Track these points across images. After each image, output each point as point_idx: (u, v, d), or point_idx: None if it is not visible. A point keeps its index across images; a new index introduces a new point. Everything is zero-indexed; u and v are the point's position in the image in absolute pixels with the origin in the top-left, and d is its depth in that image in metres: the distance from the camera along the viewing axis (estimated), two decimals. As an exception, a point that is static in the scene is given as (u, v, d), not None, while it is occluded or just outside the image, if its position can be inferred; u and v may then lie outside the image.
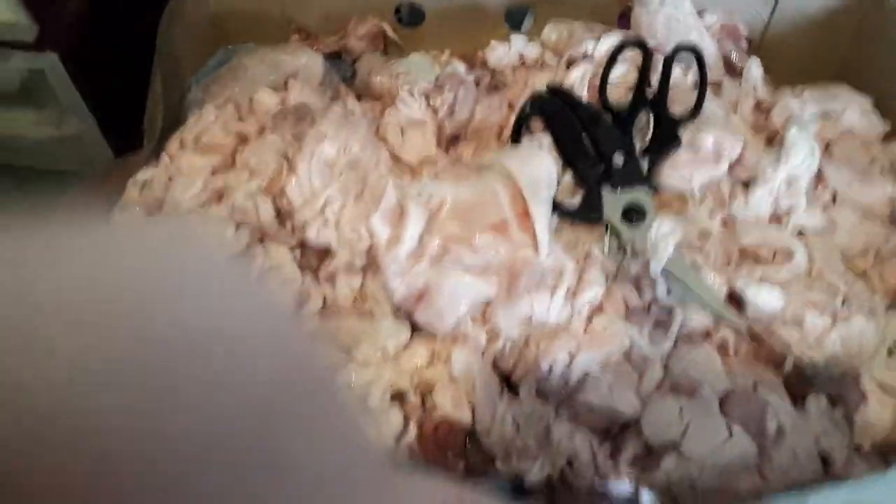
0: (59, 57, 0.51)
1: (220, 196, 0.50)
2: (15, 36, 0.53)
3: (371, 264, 0.47)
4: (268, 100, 0.54)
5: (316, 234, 0.48)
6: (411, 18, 0.66)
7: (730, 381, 0.41)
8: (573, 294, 0.44)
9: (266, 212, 0.48)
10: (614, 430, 0.41)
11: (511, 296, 0.43)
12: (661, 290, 0.44)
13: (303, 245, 0.50)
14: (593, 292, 0.44)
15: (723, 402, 0.40)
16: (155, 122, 0.53)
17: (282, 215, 0.50)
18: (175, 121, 0.56)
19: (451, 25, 0.63)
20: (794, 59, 0.58)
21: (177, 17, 0.58)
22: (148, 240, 0.21)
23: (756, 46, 0.60)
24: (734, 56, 0.57)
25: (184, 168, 0.51)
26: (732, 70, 0.57)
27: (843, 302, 0.43)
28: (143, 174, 0.51)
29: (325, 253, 0.49)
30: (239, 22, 0.64)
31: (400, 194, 0.47)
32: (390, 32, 0.64)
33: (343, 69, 0.63)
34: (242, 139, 0.52)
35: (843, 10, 0.57)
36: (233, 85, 0.57)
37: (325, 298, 0.48)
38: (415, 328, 0.45)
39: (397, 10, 0.64)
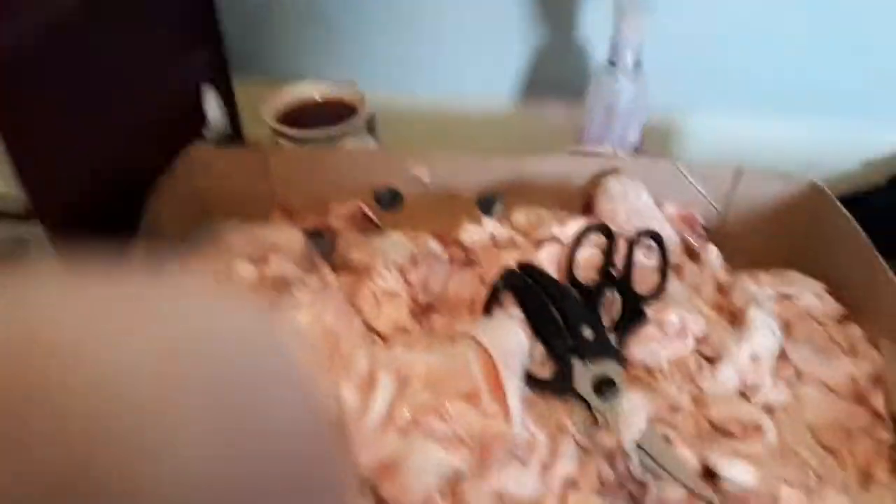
0: (44, 229, 0.53)
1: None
2: (5, 207, 0.55)
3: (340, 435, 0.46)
4: (247, 272, 0.55)
5: (284, 402, 0.47)
6: (391, 203, 0.70)
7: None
8: (546, 468, 0.43)
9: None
10: None
11: (482, 470, 0.42)
12: (635, 463, 0.43)
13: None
14: (567, 467, 0.43)
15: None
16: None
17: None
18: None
19: (428, 209, 0.67)
20: (748, 247, 0.62)
21: (165, 194, 0.61)
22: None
23: (713, 235, 0.64)
24: (693, 241, 0.61)
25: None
26: (692, 254, 0.60)
27: (816, 478, 0.42)
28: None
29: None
30: (225, 199, 0.67)
31: (370, 362, 0.47)
32: (370, 214, 0.67)
33: (322, 245, 0.65)
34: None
35: (792, 206, 0.62)
36: (213, 258, 0.58)
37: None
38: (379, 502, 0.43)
39: (377, 195, 0.69)
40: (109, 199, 0.60)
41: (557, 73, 0.81)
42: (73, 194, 0.58)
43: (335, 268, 0.62)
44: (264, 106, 0.73)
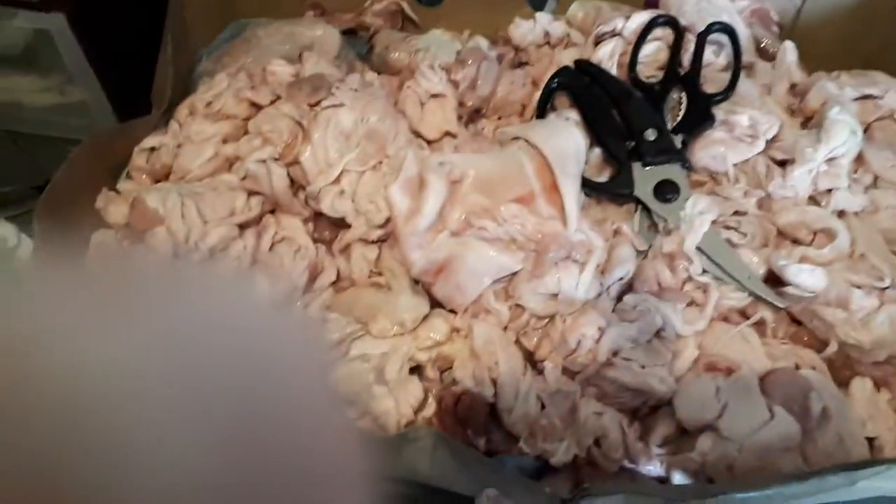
0: (65, 18, 0.49)
1: (230, 164, 0.48)
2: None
3: (388, 237, 0.45)
4: (282, 70, 0.51)
5: (331, 205, 0.45)
6: (431, -2, 0.64)
7: (770, 361, 0.39)
8: (602, 271, 0.42)
9: (279, 179, 0.46)
10: (644, 411, 0.39)
11: (537, 270, 0.41)
12: (696, 268, 0.42)
13: (316, 217, 0.47)
14: (624, 269, 0.42)
15: (763, 383, 0.37)
16: (164, 88, 0.51)
17: (295, 185, 0.47)
18: (184, 92, 0.53)
19: (471, 5, 0.62)
20: (826, 46, 0.56)
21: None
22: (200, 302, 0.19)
23: (787, 33, 0.58)
24: (766, 41, 0.55)
25: (193, 135, 0.49)
26: (765, 55, 0.55)
27: (888, 284, 0.40)
28: (151, 140, 0.49)
29: (339, 225, 0.47)
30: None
31: (420, 165, 0.44)
32: (408, 10, 0.62)
33: (359, 45, 0.61)
34: (255, 108, 0.50)
35: (881, -2, 0.55)
36: (245, 56, 0.55)
37: (339, 271, 0.46)
38: (434, 302, 0.43)
39: (416, -14, 0.63)
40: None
41: None
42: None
43: (374, 69, 0.58)
44: None
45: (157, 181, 0.49)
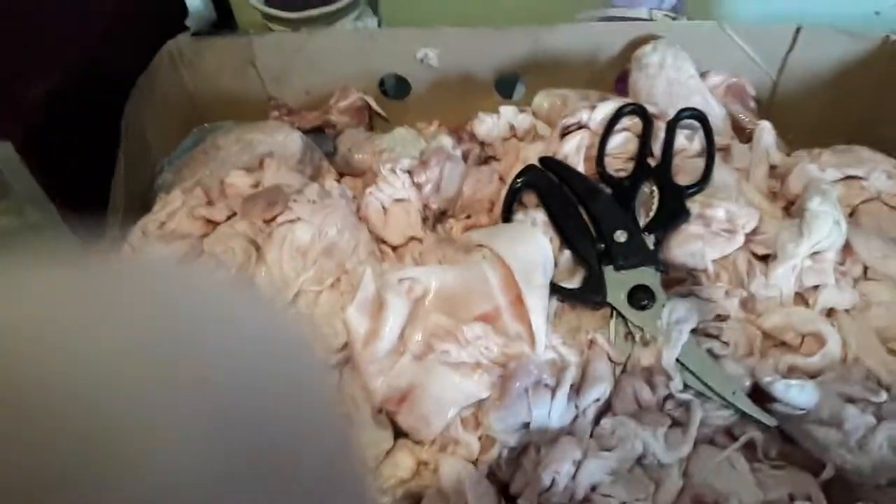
0: (12, 147, 0.47)
1: (185, 288, 0.46)
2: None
3: (348, 362, 0.43)
4: (240, 182, 0.50)
5: (288, 329, 0.43)
6: (396, 91, 0.63)
7: (761, 491, 0.35)
8: (577, 392, 0.39)
9: (232, 306, 0.43)
10: (629, 553, 0.35)
11: (506, 398, 0.38)
12: (676, 384, 0.39)
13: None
14: (600, 389, 0.39)
15: (755, 521, 0.34)
16: (117, 210, 0.50)
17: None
18: (144, 206, 0.52)
19: (439, 96, 0.60)
20: (807, 120, 0.54)
21: (146, 96, 0.55)
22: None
23: (766, 107, 0.56)
24: (743, 118, 0.53)
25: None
26: (742, 133, 0.53)
27: (888, 393, 0.37)
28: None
29: (299, 348, 0.44)
30: (216, 99, 0.61)
31: (378, 282, 0.42)
32: (374, 106, 0.61)
33: (326, 143, 0.59)
34: (211, 226, 0.48)
35: (858, 67, 0.53)
36: (204, 167, 0.53)
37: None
38: (398, 433, 0.40)
39: (381, 83, 0.61)
40: (85, 107, 0.54)
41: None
42: (43, 107, 0.52)
43: (339, 170, 0.56)
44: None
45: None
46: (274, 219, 0.46)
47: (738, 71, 0.55)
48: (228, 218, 0.48)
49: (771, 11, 0.59)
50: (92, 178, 0.52)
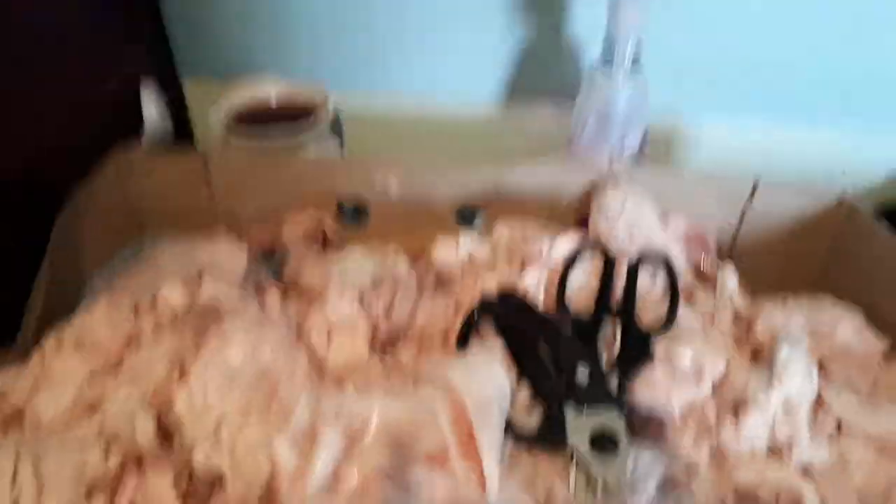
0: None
1: (94, 408, 0.41)
2: None
3: (272, 501, 0.37)
4: (174, 295, 0.46)
5: (205, 459, 0.38)
6: (355, 218, 0.61)
7: None
8: (532, 550, 0.34)
9: (145, 430, 0.38)
10: None
11: (450, 553, 0.33)
12: (644, 545, 0.34)
13: (192, 472, 0.39)
14: (557, 548, 0.34)
15: None
16: (30, 321, 0.45)
17: (169, 435, 0.40)
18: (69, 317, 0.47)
19: (398, 226, 0.58)
20: (767, 272, 0.53)
21: (85, 204, 0.52)
22: None
23: (726, 253, 0.55)
24: (704, 263, 0.52)
25: (56, 373, 0.42)
26: (703, 278, 0.52)
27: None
28: (1, 380, 0.41)
29: (217, 483, 0.39)
30: (163, 214, 0.58)
31: (313, 413, 0.37)
32: (329, 232, 0.58)
33: (274, 264, 0.56)
34: (133, 340, 0.43)
35: (816, 221, 0.53)
36: (137, 278, 0.49)
37: (211, 545, 0.37)
38: None
39: (340, 208, 0.60)
40: (11, 221, 0.51)
41: (546, 73, 0.73)
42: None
43: (285, 292, 0.53)
44: (214, 106, 0.64)
45: (6, 429, 0.41)
46: (204, 337, 0.42)
47: (698, 215, 0.55)
48: (154, 333, 0.44)
49: (731, 160, 0.60)
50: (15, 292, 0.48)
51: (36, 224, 0.50)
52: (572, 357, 0.41)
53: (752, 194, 0.54)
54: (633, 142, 0.61)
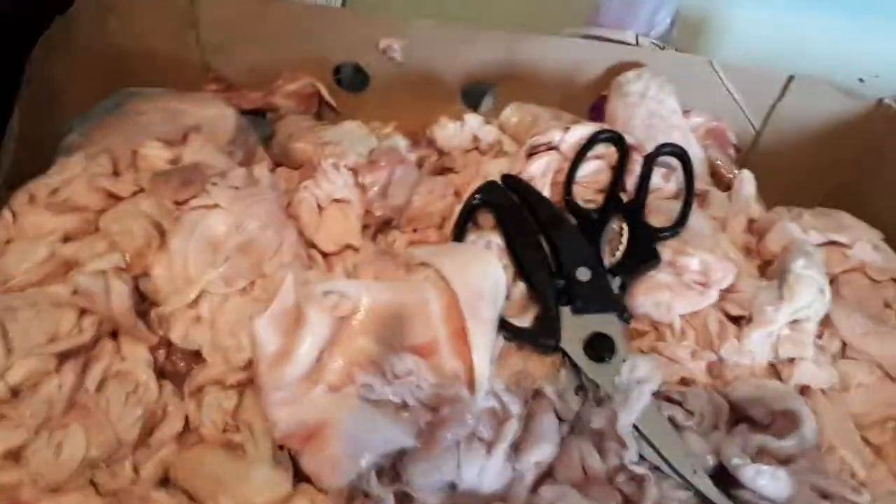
0: None
1: (67, 269, 0.38)
2: None
3: (251, 383, 0.36)
4: (155, 154, 0.42)
5: (183, 335, 0.36)
6: (353, 82, 0.56)
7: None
8: (516, 450, 0.33)
9: (119, 297, 0.36)
10: None
11: (432, 449, 0.32)
12: (631, 453, 0.33)
13: (170, 343, 0.38)
14: (543, 450, 0.33)
15: None
16: (2, 167, 0.42)
17: (146, 303, 0.38)
18: (43, 170, 0.44)
19: (399, 96, 0.54)
20: (784, 177, 0.50)
21: (57, 49, 0.47)
22: None
23: (744, 157, 0.52)
24: (721, 165, 0.49)
25: (28, 229, 0.39)
26: (720, 180, 0.49)
27: (860, 486, 0.33)
28: (-31, 233, 0.39)
29: (197, 356, 0.37)
30: (146, 61, 0.54)
31: (301, 292, 0.36)
32: (326, 94, 0.54)
33: (264, 129, 0.52)
34: (112, 200, 0.41)
35: (846, 127, 0.50)
36: (117, 133, 0.46)
37: (187, 419, 0.36)
38: (299, 476, 0.33)
39: (337, 71, 0.55)
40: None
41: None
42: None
43: (275, 159, 0.49)
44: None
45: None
46: (186, 201, 0.39)
47: (720, 115, 0.51)
48: (134, 194, 0.41)
49: (760, 57, 0.56)
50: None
51: (4, 67, 0.45)
52: (573, 255, 0.39)
53: (784, 92, 0.50)
54: (663, 20, 0.56)
